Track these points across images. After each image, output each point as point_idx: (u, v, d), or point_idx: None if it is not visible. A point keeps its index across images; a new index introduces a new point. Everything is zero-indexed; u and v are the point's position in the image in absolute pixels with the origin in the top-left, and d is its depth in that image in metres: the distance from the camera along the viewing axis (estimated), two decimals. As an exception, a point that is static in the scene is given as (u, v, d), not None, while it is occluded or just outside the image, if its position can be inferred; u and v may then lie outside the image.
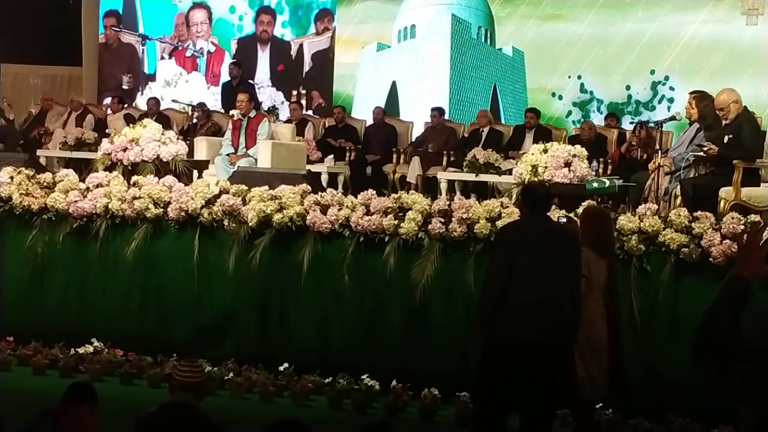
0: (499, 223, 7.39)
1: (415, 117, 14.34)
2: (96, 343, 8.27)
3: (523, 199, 6.05)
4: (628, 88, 14.39)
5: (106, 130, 12.95)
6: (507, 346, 5.54)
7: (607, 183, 8.89)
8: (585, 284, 5.84)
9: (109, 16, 17.48)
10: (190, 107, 12.78)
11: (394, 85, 15.84)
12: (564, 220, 6.56)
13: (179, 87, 17.01)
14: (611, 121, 13.44)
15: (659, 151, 8.90)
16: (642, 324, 7.11)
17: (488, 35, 15.53)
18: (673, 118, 9.25)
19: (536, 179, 8.15)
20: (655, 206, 7.59)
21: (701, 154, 8.51)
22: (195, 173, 9.61)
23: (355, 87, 16.10)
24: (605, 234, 6.28)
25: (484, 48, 15.53)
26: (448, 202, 7.85)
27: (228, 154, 10.94)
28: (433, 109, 13.58)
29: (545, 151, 8.32)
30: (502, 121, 14.30)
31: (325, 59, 16.33)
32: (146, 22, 17.37)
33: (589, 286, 5.91)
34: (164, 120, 13.02)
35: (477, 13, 15.55)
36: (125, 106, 15.07)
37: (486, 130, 13.05)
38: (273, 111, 15.20)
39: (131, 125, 9.83)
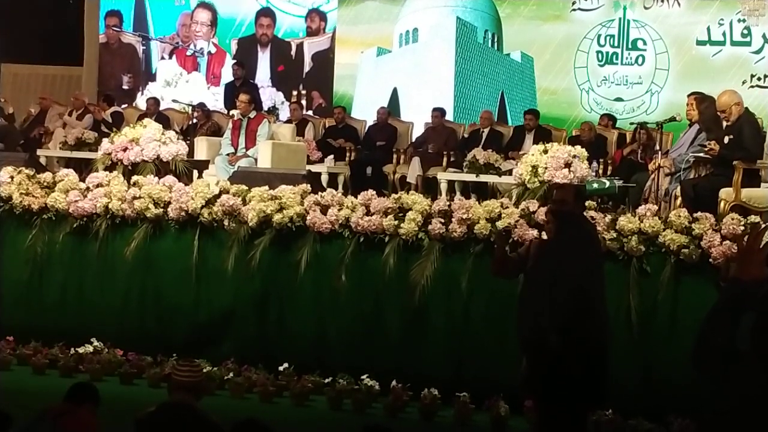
0: (499, 224, 7.40)
1: (415, 117, 14.23)
2: (96, 343, 8.27)
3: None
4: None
5: (102, 128, 13.00)
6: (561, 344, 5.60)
7: (608, 184, 8.88)
8: None
9: (111, 16, 17.46)
10: (190, 107, 12.79)
11: (395, 92, 15.44)
12: None
13: (179, 87, 16.98)
14: (607, 121, 13.40)
15: (659, 152, 8.90)
16: (642, 325, 7.11)
17: (495, 39, 15.00)
18: (673, 119, 9.25)
19: (536, 180, 8.14)
20: (656, 207, 7.59)
21: (702, 154, 8.51)
22: (195, 173, 9.61)
23: (355, 90, 15.83)
24: None
25: (490, 53, 15.01)
26: (448, 203, 7.84)
27: (227, 155, 10.94)
28: (434, 110, 13.55)
29: (545, 151, 8.32)
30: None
31: (325, 60, 16.29)
32: (155, 22, 17.32)
33: None
34: (164, 120, 13.02)
35: (483, 16, 15.02)
36: (124, 106, 15.08)
37: (486, 130, 13.05)
38: (273, 111, 15.17)
39: (131, 125, 9.82)
